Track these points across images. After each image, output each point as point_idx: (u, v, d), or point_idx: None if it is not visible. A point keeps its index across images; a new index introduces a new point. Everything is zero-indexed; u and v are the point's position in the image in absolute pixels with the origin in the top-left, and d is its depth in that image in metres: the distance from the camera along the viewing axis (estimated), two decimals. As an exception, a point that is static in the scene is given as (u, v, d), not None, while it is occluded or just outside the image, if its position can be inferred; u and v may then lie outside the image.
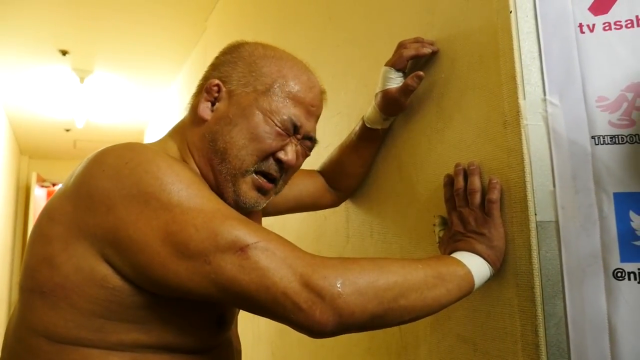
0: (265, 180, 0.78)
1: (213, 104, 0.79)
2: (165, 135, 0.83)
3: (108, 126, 5.34)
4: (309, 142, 0.83)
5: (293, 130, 0.78)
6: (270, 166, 0.78)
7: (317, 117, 0.84)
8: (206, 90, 0.79)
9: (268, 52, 0.82)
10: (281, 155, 0.78)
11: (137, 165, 0.64)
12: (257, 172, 0.77)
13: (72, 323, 0.64)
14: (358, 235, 1.25)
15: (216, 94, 0.79)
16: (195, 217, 0.62)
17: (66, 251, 0.64)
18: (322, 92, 0.85)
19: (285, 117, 0.77)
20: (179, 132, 0.81)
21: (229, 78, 0.79)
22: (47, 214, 0.68)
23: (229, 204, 0.76)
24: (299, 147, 0.81)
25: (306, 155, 0.84)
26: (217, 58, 0.84)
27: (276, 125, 0.77)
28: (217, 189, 0.77)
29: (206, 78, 0.82)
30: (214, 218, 0.62)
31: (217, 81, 0.79)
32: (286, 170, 0.80)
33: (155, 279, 0.62)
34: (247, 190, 0.77)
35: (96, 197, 0.63)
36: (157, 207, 0.62)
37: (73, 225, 0.64)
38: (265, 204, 0.80)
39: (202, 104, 0.79)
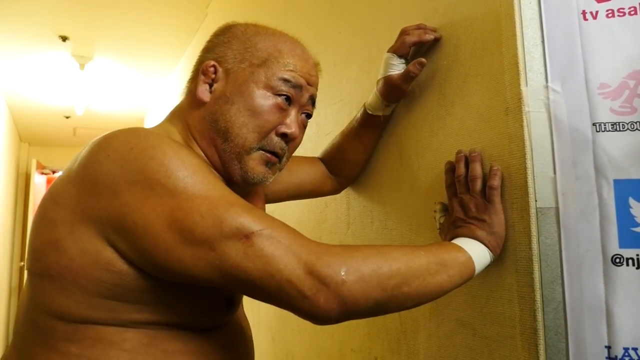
0: (271, 155, 0.79)
1: (211, 86, 0.79)
2: (164, 121, 0.83)
3: (108, 113, 5.32)
4: (311, 106, 0.83)
5: (296, 92, 0.78)
6: (276, 144, 0.78)
7: (316, 86, 0.84)
8: (202, 72, 0.79)
9: (260, 29, 0.82)
10: (284, 129, 0.78)
11: (142, 151, 0.64)
12: (261, 149, 0.78)
13: (84, 304, 0.65)
14: (359, 222, 1.26)
15: (213, 75, 0.79)
16: (201, 204, 0.61)
17: (72, 235, 0.64)
18: (317, 64, 0.85)
19: (285, 78, 0.77)
20: (178, 117, 0.81)
21: (224, 58, 0.79)
22: (52, 197, 0.68)
23: (236, 180, 0.78)
24: (300, 116, 0.81)
25: (305, 125, 0.85)
26: (209, 41, 0.84)
27: (276, 95, 0.77)
28: (224, 168, 0.78)
29: (201, 62, 0.82)
30: (219, 205, 0.62)
31: (212, 62, 0.79)
32: (289, 143, 0.80)
33: (160, 264, 0.63)
34: (254, 165, 0.77)
35: (101, 183, 0.63)
36: (163, 193, 0.62)
37: (78, 209, 0.65)
38: (272, 179, 0.81)
39: (200, 87, 0.78)
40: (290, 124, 0.79)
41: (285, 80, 0.78)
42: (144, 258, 0.63)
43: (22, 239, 6.10)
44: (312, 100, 0.83)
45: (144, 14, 3.09)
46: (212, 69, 0.79)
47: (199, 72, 0.80)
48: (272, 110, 0.77)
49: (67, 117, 5.38)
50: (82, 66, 3.77)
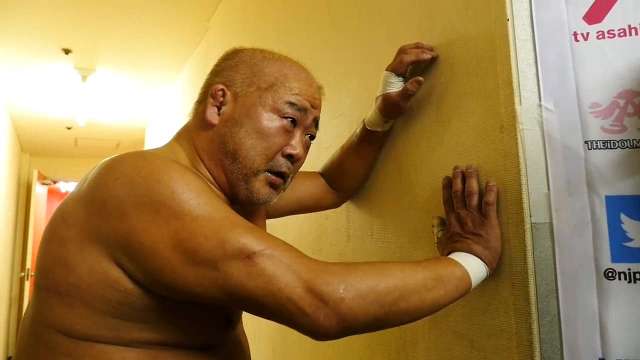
0: (277, 177, 0.82)
1: (219, 109, 0.82)
2: (172, 140, 0.85)
3: (109, 124, 5.35)
4: (314, 128, 0.87)
5: (300, 114, 0.82)
6: (282, 164, 0.82)
7: (319, 109, 0.88)
8: (211, 95, 0.82)
9: (267, 54, 0.86)
10: (289, 150, 0.81)
11: (149, 174, 0.66)
12: (268, 171, 0.81)
13: (88, 321, 0.67)
14: (358, 235, 1.28)
15: (221, 98, 0.82)
16: (205, 225, 0.64)
17: (80, 254, 0.67)
18: (320, 88, 0.89)
19: (291, 101, 0.81)
20: (185, 138, 0.84)
21: (232, 81, 0.82)
22: (61, 216, 0.71)
23: (241, 200, 0.81)
24: (304, 138, 0.85)
25: (309, 146, 0.88)
26: (217, 65, 0.87)
27: (282, 117, 0.80)
28: (230, 187, 0.80)
29: (208, 85, 0.85)
30: (222, 226, 0.64)
31: (221, 86, 0.82)
32: (294, 163, 0.84)
33: (166, 283, 0.65)
34: (259, 187, 0.80)
35: (109, 204, 0.66)
36: (168, 215, 0.64)
37: (86, 229, 0.67)
38: (276, 199, 0.84)
39: (209, 109, 0.81)
40: (296, 145, 0.82)
41: (291, 104, 0.81)
42: (150, 277, 0.65)
43: (23, 249, 6.09)
44: (316, 122, 0.87)
45: (146, 27, 3.13)
46: (220, 93, 0.82)
47: (208, 95, 0.83)
48: (278, 132, 0.80)
49: (69, 128, 5.40)
50: (84, 78, 3.80)
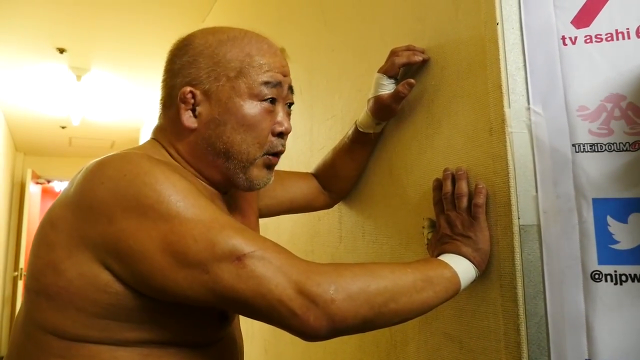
0: (272, 156, 0.83)
1: (194, 111, 0.79)
2: (148, 143, 0.83)
3: (104, 124, 5.34)
4: (291, 95, 0.85)
5: (277, 90, 0.81)
6: (276, 144, 0.82)
7: (290, 74, 0.86)
8: (181, 100, 0.78)
9: (221, 37, 0.80)
10: (278, 128, 0.82)
11: (135, 177, 0.65)
12: (265, 154, 0.81)
13: (79, 323, 0.66)
14: (350, 236, 1.28)
15: (192, 100, 0.78)
16: (193, 228, 0.63)
17: (70, 258, 0.66)
18: (283, 51, 0.86)
19: (265, 80, 0.79)
20: (164, 140, 0.81)
21: (197, 79, 0.78)
22: (50, 220, 0.70)
23: (242, 189, 0.82)
24: (286, 109, 0.85)
25: (290, 114, 0.87)
26: (172, 63, 0.82)
27: (261, 100, 0.79)
28: (229, 182, 0.81)
29: (171, 87, 0.81)
30: (212, 228, 0.64)
31: (189, 88, 0.78)
32: (285, 137, 0.84)
33: (156, 287, 0.65)
34: (257, 172, 0.81)
35: (96, 209, 0.65)
36: (156, 218, 0.63)
37: (75, 234, 0.66)
38: (272, 178, 0.85)
39: (184, 115, 0.78)
40: (282, 121, 0.82)
41: (266, 83, 0.79)
42: (139, 281, 0.65)
43: (16, 248, 6.07)
44: (291, 89, 0.85)
45: (141, 26, 3.13)
46: (190, 95, 0.78)
47: (176, 99, 0.79)
48: (263, 117, 0.80)
49: (63, 128, 5.39)
50: (78, 77, 3.79)
